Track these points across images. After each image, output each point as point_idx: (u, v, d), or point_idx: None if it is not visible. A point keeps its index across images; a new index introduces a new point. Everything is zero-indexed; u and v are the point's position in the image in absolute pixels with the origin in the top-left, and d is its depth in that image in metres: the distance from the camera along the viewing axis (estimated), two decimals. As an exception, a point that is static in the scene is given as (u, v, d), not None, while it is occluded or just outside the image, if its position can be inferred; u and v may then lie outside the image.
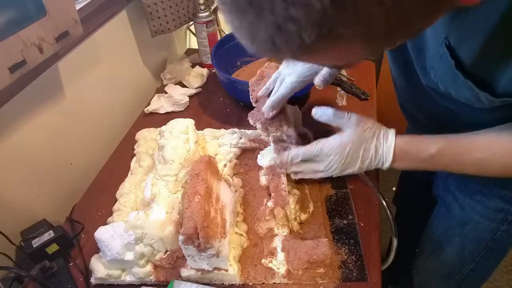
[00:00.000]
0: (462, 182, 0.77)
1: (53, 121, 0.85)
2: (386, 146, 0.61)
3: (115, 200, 0.82)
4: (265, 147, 0.79)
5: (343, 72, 1.19)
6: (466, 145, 0.57)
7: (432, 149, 0.57)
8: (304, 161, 0.66)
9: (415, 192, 1.02)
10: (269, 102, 0.71)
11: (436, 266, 0.89)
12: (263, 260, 0.69)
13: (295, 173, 0.71)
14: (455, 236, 0.81)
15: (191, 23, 1.24)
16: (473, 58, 0.46)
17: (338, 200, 0.80)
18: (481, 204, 0.73)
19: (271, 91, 0.73)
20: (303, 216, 0.75)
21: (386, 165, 0.61)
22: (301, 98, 1.09)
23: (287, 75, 0.71)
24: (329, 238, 0.72)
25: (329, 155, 0.63)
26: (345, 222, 0.76)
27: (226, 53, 1.13)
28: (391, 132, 0.62)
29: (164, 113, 1.09)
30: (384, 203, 0.78)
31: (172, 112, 1.10)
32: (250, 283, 0.68)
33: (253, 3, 0.30)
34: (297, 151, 0.66)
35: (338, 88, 1.13)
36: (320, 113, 0.65)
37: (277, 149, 0.71)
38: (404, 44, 0.60)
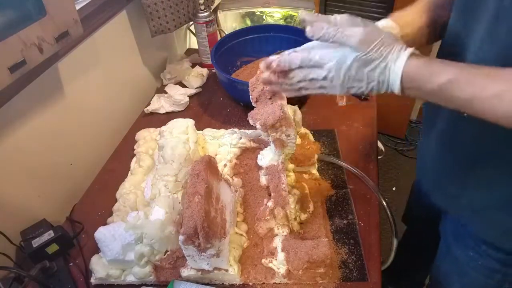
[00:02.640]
0: (456, 232, 0.72)
1: (53, 121, 0.85)
2: (394, 73, 0.51)
3: (115, 200, 0.82)
4: (265, 147, 0.78)
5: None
6: (487, 72, 0.47)
7: (443, 78, 0.48)
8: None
9: (422, 221, 0.94)
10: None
11: None
12: (263, 260, 0.69)
13: (298, 88, 0.57)
14: (455, 283, 0.77)
15: (191, 23, 1.24)
16: None
17: (338, 200, 0.80)
18: (474, 261, 0.69)
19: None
20: (303, 216, 0.75)
21: (396, 91, 0.52)
22: (301, 98, 1.09)
23: None
24: (329, 238, 0.72)
25: (333, 69, 0.53)
26: (345, 222, 0.76)
27: (226, 53, 1.13)
28: (402, 56, 0.51)
29: (164, 113, 1.09)
30: (384, 203, 0.79)
31: (172, 112, 1.10)
32: (250, 283, 0.68)
33: None
34: (295, 55, 0.55)
35: (338, 88, 1.13)
36: (316, 31, 0.53)
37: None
38: None
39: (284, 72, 0.57)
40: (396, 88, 0.51)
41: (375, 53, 0.51)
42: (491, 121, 0.47)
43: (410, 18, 0.65)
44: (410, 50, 0.51)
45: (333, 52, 0.53)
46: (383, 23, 0.64)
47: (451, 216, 0.74)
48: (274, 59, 0.56)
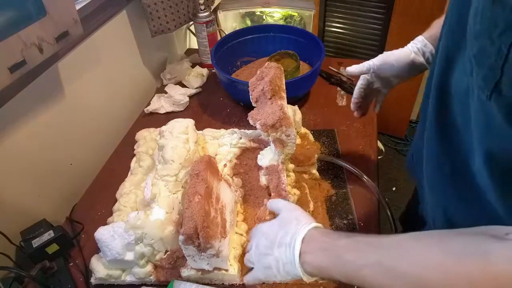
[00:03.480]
0: None
1: (53, 121, 0.85)
2: (299, 232, 0.52)
3: (115, 200, 0.82)
4: (265, 147, 0.78)
5: (343, 72, 1.19)
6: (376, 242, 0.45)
7: (341, 242, 0.47)
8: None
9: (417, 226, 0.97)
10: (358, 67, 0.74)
11: None
12: (263, 260, 0.69)
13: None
14: None
15: (191, 23, 1.24)
16: None
17: (338, 200, 0.80)
18: None
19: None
20: (303, 216, 0.75)
21: (296, 254, 0.50)
22: (301, 98, 1.09)
23: None
24: (329, 238, 0.72)
25: (258, 235, 0.59)
26: (345, 222, 0.76)
27: (226, 53, 1.13)
28: (313, 223, 0.54)
29: (164, 113, 1.09)
30: (384, 203, 0.79)
31: (172, 112, 1.10)
32: (250, 283, 0.68)
33: None
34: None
35: (338, 88, 1.14)
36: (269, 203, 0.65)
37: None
38: None
39: None
40: (296, 251, 0.50)
41: (293, 217, 0.56)
42: None
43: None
44: (317, 223, 0.54)
45: (266, 222, 0.60)
46: (417, 44, 0.69)
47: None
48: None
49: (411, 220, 1.03)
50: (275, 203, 0.63)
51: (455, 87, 0.45)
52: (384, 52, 0.73)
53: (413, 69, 0.71)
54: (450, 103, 0.46)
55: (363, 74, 0.75)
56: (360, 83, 0.78)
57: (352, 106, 0.79)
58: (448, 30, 0.45)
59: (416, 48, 0.70)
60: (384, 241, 0.44)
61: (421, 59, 0.70)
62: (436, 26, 0.70)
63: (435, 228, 0.70)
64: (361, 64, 0.74)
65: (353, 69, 0.75)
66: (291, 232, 0.53)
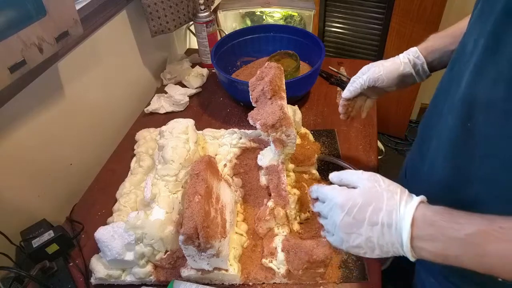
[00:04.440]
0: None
1: (53, 121, 0.85)
2: (403, 210, 0.45)
3: (115, 200, 0.82)
4: (265, 147, 0.78)
5: (343, 72, 1.19)
6: None
7: (470, 227, 0.41)
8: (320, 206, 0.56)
9: None
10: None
11: None
12: (263, 260, 0.69)
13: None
14: None
15: (191, 23, 1.24)
16: None
17: (338, 200, 0.80)
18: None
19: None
20: (303, 216, 0.75)
21: (405, 239, 0.44)
22: (301, 98, 1.09)
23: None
24: (329, 238, 0.71)
25: (331, 206, 0.51)
26: (345, 222, 0.76)
27: (226, 53, 1.13)
28: (416, 197, 0.47)
29: (164, 113, 1.09)
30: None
31: (172, 112, 1.10)
32: (250, 283, 0.68)
33: None
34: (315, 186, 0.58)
35: (338, 88, 1.14)
36: (335, 175, 0.55)
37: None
38: None
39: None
40: (405, 234, 0.44)
41: (383, 189, 0.48)
42: None
43: (442, 43, 0.67)
44: (421, 196, 0.46)
45: (341, 190, 0.52)
46: (410, 55, 0.69)
47: None
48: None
49: None
50: (347, 175, 0.53)
51: (486, 95, 0.43)
52: (373, 65, 0.71)
53: (402, 81, 0.70)
54: (477, 115, 0.45)
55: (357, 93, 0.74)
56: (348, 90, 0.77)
57: (340, 108, 0.77)
58: (474, 29, 0.44)
59: (408, 59, 0.69)
60: None
61: (411, 71, 0.69)
62: (432, 39, 0.69)
63: None
64: (353, 88, 0.73)
65: (347, 94, 0.74)
66: (386, 208, 0.46)
